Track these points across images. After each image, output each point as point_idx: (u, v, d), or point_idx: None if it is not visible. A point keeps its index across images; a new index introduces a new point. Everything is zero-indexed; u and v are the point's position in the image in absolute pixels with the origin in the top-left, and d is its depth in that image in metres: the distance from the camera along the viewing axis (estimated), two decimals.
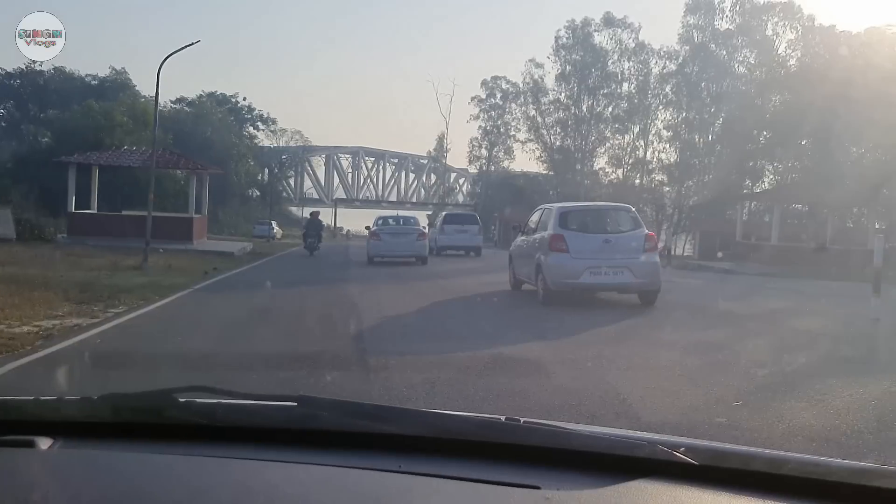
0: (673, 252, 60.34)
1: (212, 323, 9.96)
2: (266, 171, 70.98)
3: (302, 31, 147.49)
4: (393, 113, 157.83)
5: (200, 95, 60.86)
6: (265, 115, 67.57)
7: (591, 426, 1.93)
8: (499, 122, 75.72)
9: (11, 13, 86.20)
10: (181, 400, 1.66)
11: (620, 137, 65.89)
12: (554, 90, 64.15)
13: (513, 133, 75.62)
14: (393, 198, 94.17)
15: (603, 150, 65.84)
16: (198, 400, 1.68)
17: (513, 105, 74.87)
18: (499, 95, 75.17)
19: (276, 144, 74.89)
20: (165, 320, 10.19)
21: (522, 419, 1.66)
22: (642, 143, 66.74)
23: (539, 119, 65.31)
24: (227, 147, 54.40)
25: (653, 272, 11.29)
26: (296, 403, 1.65)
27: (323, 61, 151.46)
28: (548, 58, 63.54)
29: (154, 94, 19.78)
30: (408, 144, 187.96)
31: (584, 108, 63.83)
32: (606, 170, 66.91)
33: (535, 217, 13.11)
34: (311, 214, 28.28)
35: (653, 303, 11.35)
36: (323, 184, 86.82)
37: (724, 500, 1.37)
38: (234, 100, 65.94)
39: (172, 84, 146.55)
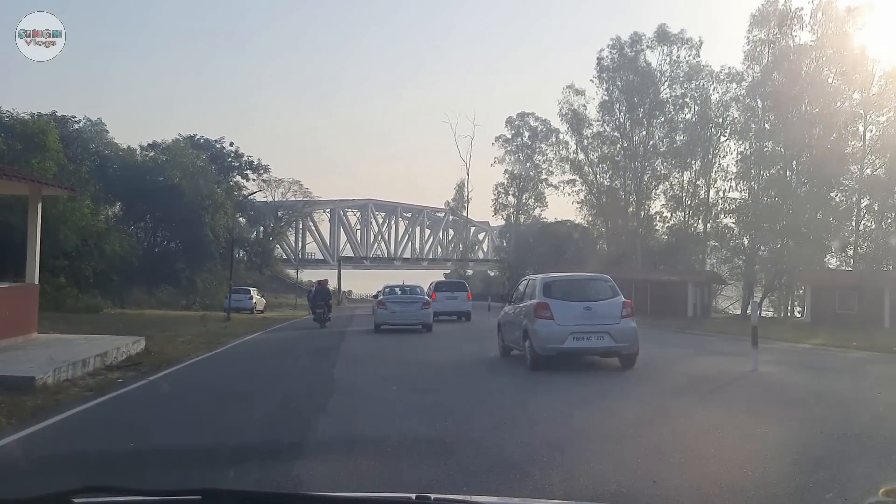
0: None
1: None
2: (261, 228, 57.91)
3: (300, 71, 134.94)
4: (405, 161, 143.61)
5: (177, 139, 48.18)
6: (255, 162, 54.85)
7: (502, 497, 1.83)
8: (528, 165, 63.18)
9: (11, 13, 76.29)
10: (77, 501, 1.51)
11: (679, 175, 52.67)
12: (598, 121, 51.20)
13: (544, 177, 63.01)
14: (407, 255, 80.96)
15: (658, 190, 52.53)
16: (95, 499, 1.53)
17: (543, 145, 62.58)
18: (527, 134, 62.92)
19: (271, 199, 62.08)
20: None
21: (433, 496, 1.57)
22: (703, 181, 53.58)
23: (581, 156, 52.20)
24: (200, 197, 41.41)
25: (631, 336, 11.28)
26: (199, 497, 1.53)
27: (324, 105, 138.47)
28: (591, 81, 50.88)
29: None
30: (422, 196, 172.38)
31: (636, 139, 50.75)
32: (664, 213, 53.46)
33: (520, 287, 13.22)
34: (318, 283, 25.52)
35: (632, 365, 11.25)
36: (328, 242, 73.76)
37: None
38: (218, 144, 53.40)
39: (151, 130, 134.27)
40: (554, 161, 61.92)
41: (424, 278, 69.89)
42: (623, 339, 11.10)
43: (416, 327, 20.26)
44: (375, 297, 26.25)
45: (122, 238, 27.85)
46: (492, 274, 76.33)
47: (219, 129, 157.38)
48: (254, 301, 36.23)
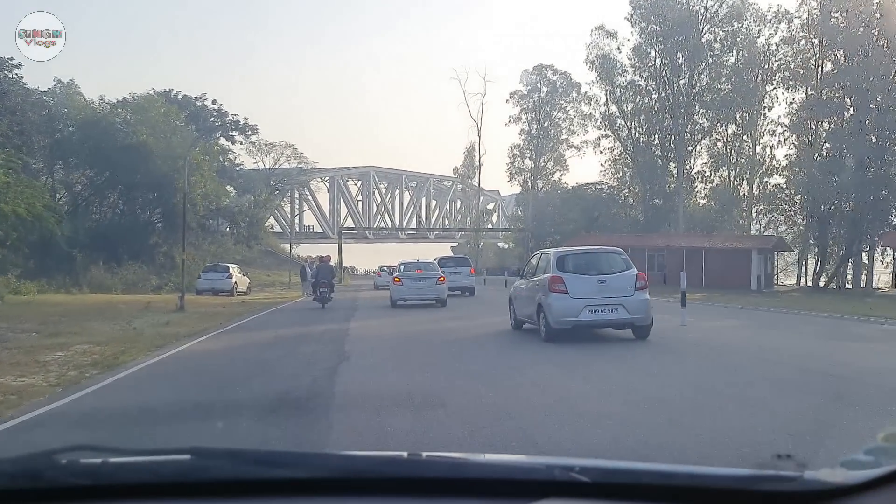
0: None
1: None
2: (251, 197, 50.31)
3: (292, 24, 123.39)
4: (409, 125, 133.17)
5: (149, 95, 40.37)
6: (242, 122, 47.16)
7: (492, 454, 1.82)
8: (546, 124, 55.48)
9: (11, 13, 69.04)
10: (62, 461, 1.47)
11: (723, 129, 45.26)
12: (633, 66, 43.43)
13: (565, 137, 55.42)
14: (413, 227, 73.32)
15: (700, 146, 45.07)
16: (81, 460, 1.49)
17: (563, 101, 54.96)
18: (545, 90, 55.20)
19: (262, 165, 54.41)
20: None
21: (424, 453, 1.59)
22: (748, 136, 46.22)
23: (614, 108, 44.44)
24: (172, 157, 33.90)
25: (644, 308, 10.99)
26: (188, 456, 1.53)
27: (320, 62, 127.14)
28: (626, 19, 43.02)
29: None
30: (427, 164, 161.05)
31: (675, 88, 42.99)
32: (705, 173, 46.12)
33: (533, 261, 13.05)
34: (320, 259, 23.61)
35: (646, 337, 10.96)
36: (327, 213, 66.11)
37: None
38: (198, 102, 45.62)
39: (127, 89, 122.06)
40: (575, 119, 54.50)
41: (431, 252, 62.46)
42: (637, 310, 10.83)
43: (431, 302, 20.22)
44: (390, 272, 27.82)
45: (32, 193, 20.19)
46: (505, 246, 68.95)
47: (201, 87, 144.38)
48: (233, 281, 28.77)
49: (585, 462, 1.50)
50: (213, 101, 46.69)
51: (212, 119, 46.23)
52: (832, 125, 41.59)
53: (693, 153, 44.91)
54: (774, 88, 44.64)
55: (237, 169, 48.64)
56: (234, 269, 29.74)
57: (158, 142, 34.57)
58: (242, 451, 1.63)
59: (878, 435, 1.51)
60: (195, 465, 1.50)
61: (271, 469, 1.49)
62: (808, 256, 45.02)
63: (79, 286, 28.83)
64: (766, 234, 45.19)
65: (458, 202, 77.90)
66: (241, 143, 49.18)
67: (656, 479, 1.49)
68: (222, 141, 46.84)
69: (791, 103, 43.93)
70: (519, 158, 56.24)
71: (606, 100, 44.46)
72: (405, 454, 1.61)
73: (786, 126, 44.07)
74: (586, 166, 66.51)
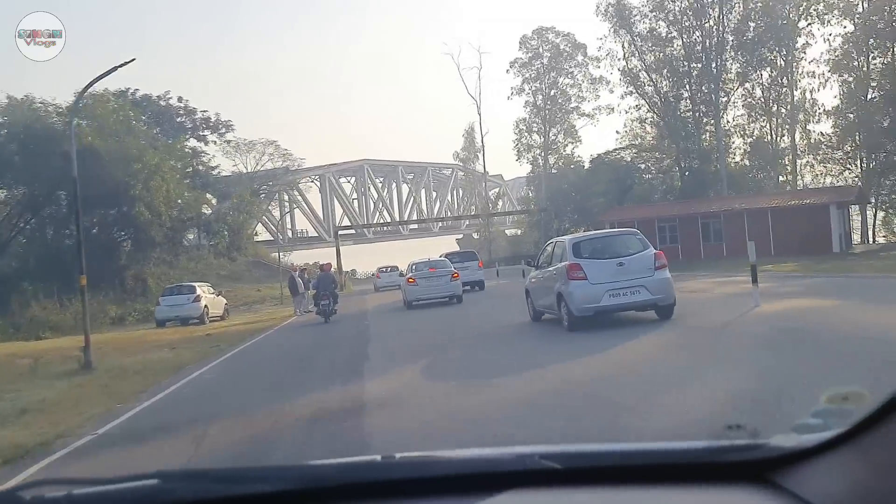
0: None
1: None
2: (226, 202, 43.88)
3: (267, 7, 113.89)
4: (402, 111, 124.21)
5: (100, 94, 33.72)
6: (213, 119, 40.75)
7: (465, 450, 1.76)
8: (553, 93, 49.12)
9: (11, 13, 63.81)
10: (27, 497, 1.39)
11: (757, 75, 39.01)
12: (653, 12, 37.04)
13: (575, 104, 49.09)
14: (414, 221, 66.83)
15: (736, 96, 38.80)
16: (46, 495, 1.41)
17: (568, 65, 48.66)
18: (547, 56, 48.83)
19: (243, 168, 48.04)
20: None
21: (398, 455, 1.57)
22: (786, 80, 39.98)
23: (635, 61, 38.01)
24: (125, 161, 27.65)
25: (666, 287, 10.72)
26: (156, 480, 1.47)
27: (298, 45, 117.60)
28: None
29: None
30: (424, 152, 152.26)
31: (702, 32, 36.63)
32: (742, 124, 40.00)
33: (548, 249, 12.58)
34: (321, 269, 21.42)
35: (669, 317, 10.64)
36: (320, 215, 59.69)
37: (586, 497, 1.37)
38: (162, 102, 39.19)
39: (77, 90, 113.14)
40: (584, 84, 48.20)
41: (435, 247, 56.14)
42: (659, 291, 10.49)
43: (445, 300, 19.66)
44: (400, 274, 27.76)
45: None
46: (517, 232, 62.66)
47: (165, 86, 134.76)
48: (202, 304, 22.26)
49: (548, 448, 1.48)
50: (179, 99, 40.47)
51: (179, 119, 39.84)
52: (883, 60, 35.56)
53: (728, 104, 38.64)
54: (810, 24, 38.42)
55: (213, 174, 42.28)
56: (203, 290, 23.23)
57: (107, 143, 28.22)
58: (208, 470, 1.61)
59: (821, 397, 1.42)
60: (162, 489, 1.44)
61: (242, 485, 1.44)
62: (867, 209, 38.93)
63: (13, 327, 22.73)
64: (811, 188, 39.13)
65: (460, 191, 71.58)
66: (216, 143, 42.88)
67: (619, 459, 1.49)
68: (192, 142, 40.50)
69: (828, 39, 37.87)
70: (526, 134, 49.94)
71: (625, 53, 38.07)
72: (379, 457, 1.56)
73: (829, 63, 37.93)
74: (601, 136, 60.54)
